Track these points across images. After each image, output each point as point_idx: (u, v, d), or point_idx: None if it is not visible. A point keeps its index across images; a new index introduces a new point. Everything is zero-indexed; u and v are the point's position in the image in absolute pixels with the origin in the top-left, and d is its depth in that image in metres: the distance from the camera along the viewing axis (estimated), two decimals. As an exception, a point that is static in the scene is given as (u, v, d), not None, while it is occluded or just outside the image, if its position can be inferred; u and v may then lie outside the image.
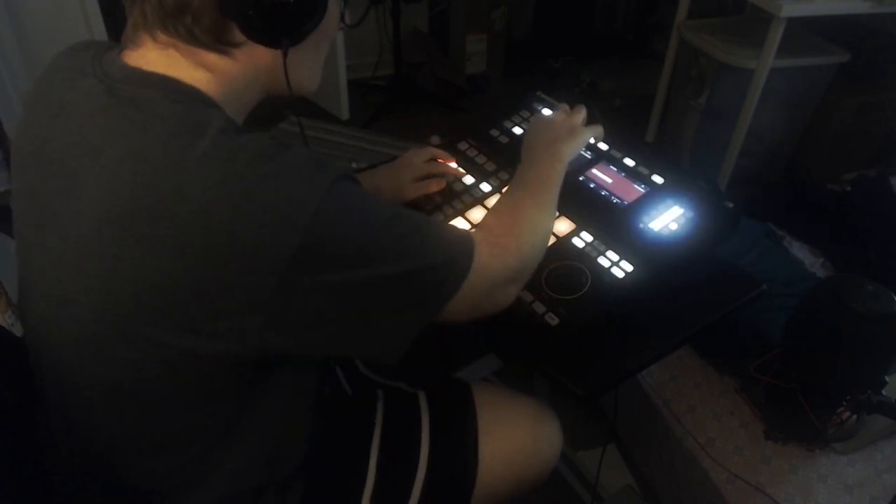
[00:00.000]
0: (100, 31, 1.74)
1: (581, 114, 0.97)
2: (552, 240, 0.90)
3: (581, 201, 0.96)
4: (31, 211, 0.65)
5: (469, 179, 1.03)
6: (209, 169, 0.54)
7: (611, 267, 0.85)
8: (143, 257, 0.54)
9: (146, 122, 0.57)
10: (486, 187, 1.01)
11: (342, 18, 0.71)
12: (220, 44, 0.61)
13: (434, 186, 1.00)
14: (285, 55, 0.63)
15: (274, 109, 2.41)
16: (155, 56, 0.61)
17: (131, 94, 0.59)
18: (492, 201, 0.98)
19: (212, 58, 0.62)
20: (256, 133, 0.58)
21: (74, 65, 0.65)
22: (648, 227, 0.90)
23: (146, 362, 0.59)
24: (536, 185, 0.85)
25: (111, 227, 0.56)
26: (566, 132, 0.92)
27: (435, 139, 1.13)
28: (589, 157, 1.02)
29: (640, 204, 0.93)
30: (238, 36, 0.61)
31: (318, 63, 0.72)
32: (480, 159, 1.06)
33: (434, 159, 1.04)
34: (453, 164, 1.05)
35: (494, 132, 1.11)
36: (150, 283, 0.55)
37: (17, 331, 1.08)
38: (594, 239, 0.89)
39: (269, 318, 0.57)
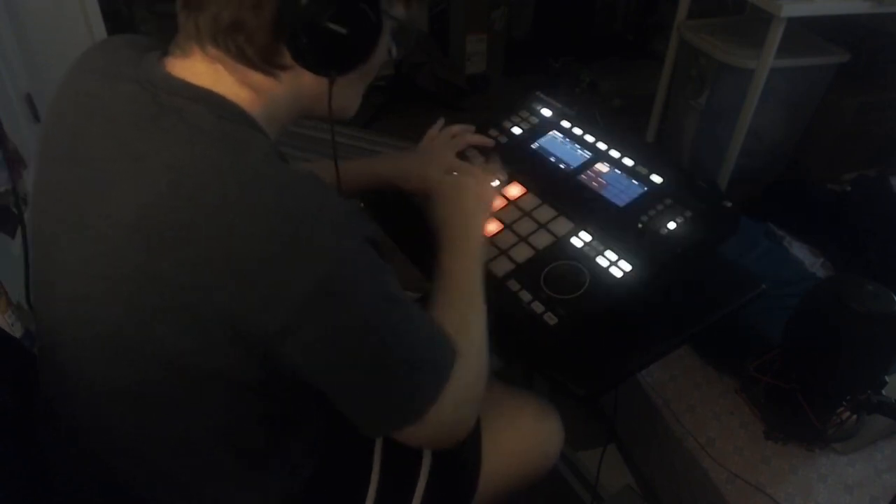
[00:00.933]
0: (100, 32, 1.73)
1: (494, 173, 0.96)
2: (551, 239, 0.90)
3: (580, 201, 0.96)
4: (56, 208, 0.65)
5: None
6: (249, 195, 0.54)
7: (610, 266, 0.85)
8: (170, 269, 0.55)
9: (192, 136, 0.57)
10: (485, 187, 1.01)
11: (389, 52, 0.71)
12: (269, 65, 0.61)
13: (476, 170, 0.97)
14: (332, 84, 0.63)
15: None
16: (202, 69, 0.61)
17: (178, 106, 0.59)
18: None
19: (257, 77, 0.62)
20: (301, 167, 0.59)
21: (112, 64, 0.65)
22: (648, 227, 0.90)
23: (157, 369, 0.60)
24: (469, 284, 0.77)
25: (141, 235, 0.56)
26: (480, 206, 0.88)
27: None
28: (588, 156, 1.02)
29: (639, 204, 0.93)
30: (287, 60, 0.61)
31: (359, 92, 0.72)
32: (480, 159, 1.06)
33: (456, 136, 1.05)
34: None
35: (494, 132, 1.11)
36: (172, 296, 0.55)
37: (17, 331, 1.09)
38: (593, 238, 0.89)
39: (270, 351, 0.57)
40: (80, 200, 0.61)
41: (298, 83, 0.64)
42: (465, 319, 0.73)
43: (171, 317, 0.56)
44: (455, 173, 0.94)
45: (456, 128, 1.06)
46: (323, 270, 0.54)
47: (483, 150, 1.05)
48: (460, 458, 0.86)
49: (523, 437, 0.91)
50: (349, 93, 0.70)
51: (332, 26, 0.58)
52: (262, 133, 0.63)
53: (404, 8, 0.67)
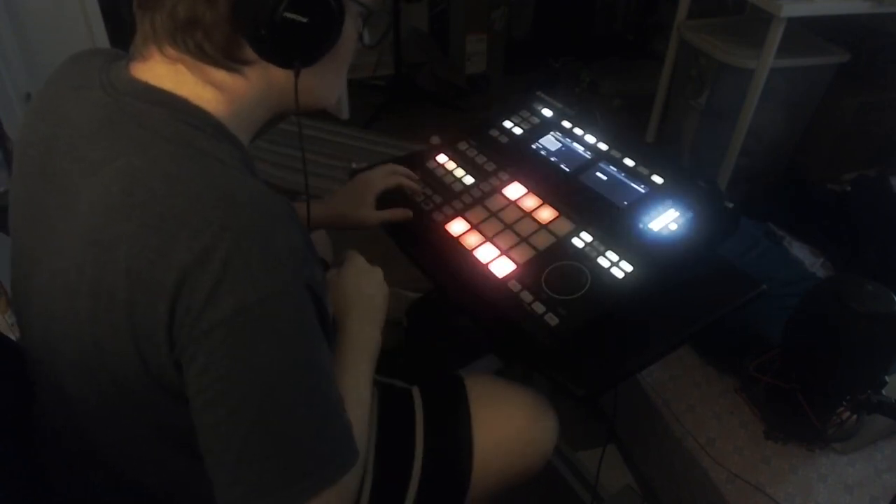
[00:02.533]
0: (100, 32, 1.73)
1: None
2: (552, 240, 0.90)
3: (581, 201, 0.96)
4: (29, 222, 0.64)
5: (469, 180, 1.03)
6: (197, 208, 0.52)
7: (610, 267, 0.85)
8: (113, 280, 0.53)
9: (148, 142, 0.56)
10: (486, 187, 1.01)
11: (360, 38, 0.68)
12: (231, 61, 0.59)
13: (400, 215, 0.97)
14: (297, 75, 0.60)
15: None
16: (163, 71, 0.59)
17: (137, 111, 0.57)
18: (491, 202, 0.99)
19: (221, 75, 0.59)
20: (266, 187, 0.55)
21: (82, 74, 0.63)
22: (648, 228, 0.90)
23: (108, 382, 0.58)
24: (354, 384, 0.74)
25: (93, 245, 0.54)
26: (359, 298, 0.82)
27: (435, 139, 1.13)
28: (589, 157, 1.03)
29: (640, 204, 0.93)
30: (249, 54, 0.59)
31: (333, 82, 0.69)
32: (480, 159, 1.06)
33: (395, 173, 1.02)
34: (446, 161, 1.04)
35: (494, 132, 1.11)
36: (116, 309, 0.53)
37: (17, 331, 1.08)
38: (594, 239, 0.89)
39: (183, 365, 0.54)
40: (51, 216, 0.60)
41: (266, 78, 0.61)
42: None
43: (116, 331, 0.54)
44: (390, 209, 0.97)
45: (393, 167, 1.03)
46: (248, 300, 0.50)
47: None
48: (452, 454, 0.86)
49: (516, 430, 0.90)
50: (324, 82, 0.67)
51: (290, 15, 0.56)
52: (228, 139, 0.60)
53: None
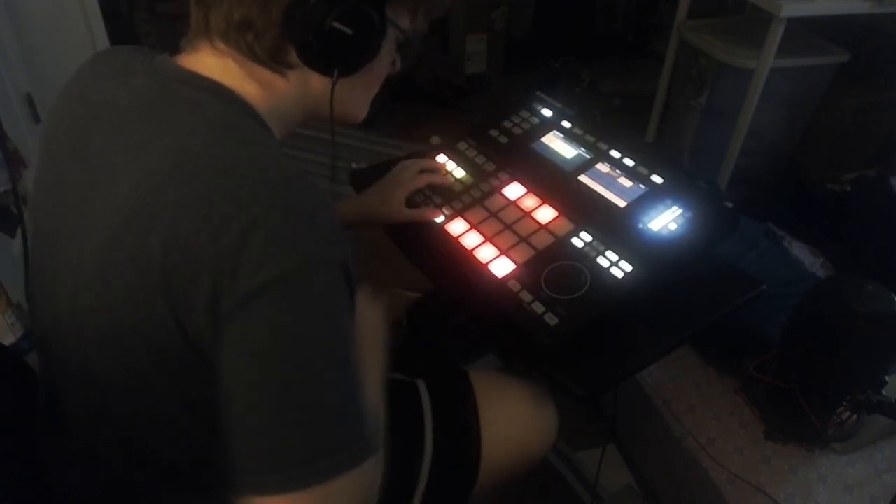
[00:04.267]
0: (100, 32, 1.73)
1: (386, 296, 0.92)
2: (552, 240, 0.90)
3: (580, 201, 0.96)
4: (57, 204, 0.65)
5: (469, 180, 1.03)
6: (244, 183, 0.55)
7: (610, 267, 0.85)
8: (157, 249, 0.54)
9: (197, 123, 0.59)
10: (485, 187, 1.01)
11: (394, 63, 0.73)
12: (276, 63, 0.63)
13: (429, 214, 0.98)
14: (335, 83, 0.65)
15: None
16: (212, 62, 0.63)
17: (185, 96, 0.61)
18: (491, 202, 0.99)
19: (265, 74, 0.64)
20: (308, 179, 0.58)
21: (122, 63, 0.67)
22: (648, 227, 0.90)
23: (145, 359, 0.59)
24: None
25: (136, 215, 0.56)
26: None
27: (435, 139, 1.14)
28: (588, 156, 1.02)
29: (640, 204, 0.93)
30: (294, 58, 0.63)
31: (364, 98, 0.74)
32: (480, 159, 1.06)
33: (425, 170, 1.03)
34: (445, 161, 1.03)
35: (494, 132, 1.11)
36: (157, 278, 0.55)
37: (18, 331, 1.09)
38: (593, 239, 0.89)
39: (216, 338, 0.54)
40: (83, 194, 0.62)
41: (305, 83, 0.66)
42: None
43: (153, 297, 0.55)
44: (419, 209, 0.98)
45: (425, 163, 1.04)
46: (294, 266, 0.53)
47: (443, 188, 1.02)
48: (462, 445, 0.87)
49: (520, 421, 0.92)
50: (354, 98, 0.72)
51: (338, 26, 0.60)
52: (267, 130, 0.64)
53: (409, 21, 0.69)
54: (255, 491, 0.53)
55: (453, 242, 0.93)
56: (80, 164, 0.64)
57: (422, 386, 0.93)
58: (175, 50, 0.67)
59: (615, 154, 1.02)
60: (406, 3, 0.68)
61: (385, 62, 0.71)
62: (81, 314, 0.62)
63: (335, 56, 0.63)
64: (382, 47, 0.66)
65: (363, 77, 0.68)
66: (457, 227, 0.95)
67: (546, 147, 1.06)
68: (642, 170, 0.98)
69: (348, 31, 0.61)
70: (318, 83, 0.66)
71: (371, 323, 0.84)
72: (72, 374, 0.67)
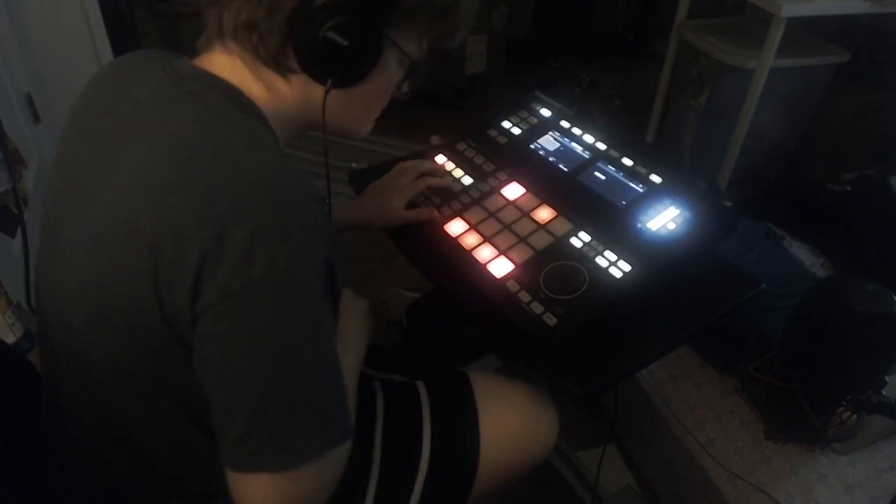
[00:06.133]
0: (100, 32, 1.73)
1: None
2: (550, 240, 0.90)
3: (579, 201, 0.96)
4: (68, 187, 0.67)
5: (468, 180, 1.03)
6: (240, 171, 0.56)
7: (609, 267, 0.85)
8: (148, 227, 0.56)
9: (201, 114, 0.61)
10: (484, 188, 1.01)
11: (399, 86, 0.74)
12: (279, 66, 0.65)
13: (428, 215, 0.97)
14: (327, 92, 0.66)
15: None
16: (222, 61, 0.66)
17: (196, 90, 0.63)
18: (490, 202, 0.99)
19: (270, 76, 0.66)
20: (303, 174, 0.60)
21: (145, 59, 0.69)
22: (647, 227, 0.90)
23: (134, 343, 0.60)
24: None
25: (133, 194, 0.58)
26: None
27: (435, 139, 1.13)
28: (588, 156, 1.02)
29: (639, 203, 0.93)
30: (294, 63, 0.64)
31: (364, 114, 0.75)
32: (479, 159, 1.06)
33: (422, 174, 1.02)
34: (444, 162, 1.03)
35: (493, 132, 1.11)
36: (147, 256, 0.56)
37: (18, 331, 1.09)
38: (592, 239, 0.89)
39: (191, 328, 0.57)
40: (90, 174, 0.64)
41: (306, 90, 0.67)
42: None
43: (137, 273, 0.56)
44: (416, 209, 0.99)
45: (423, 165, 1.03)
46: (280, 260, 0.55)
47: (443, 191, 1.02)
48: (460, 448, 0.87)
49: (520, 423, 0.92)
50: (352, 111, 0.73)
51: (332, 35, 0.61)
52: (269, 129, 0.65)
53: (416, 47, 0.70)
54: (232, 465, 0.58)
55: (452, 242, 0.93)
56: (90, 145, 0.66)
57: (421, 388, 0.93)
58: (178, 48, 0.69)
59: (614, 154, 1.02)
60: (412, 29, 0.68)
61: (387, 81, 0.71)
62: (73, 289, 0.63)
63: (329, 65, 0.64)
64: (380, 65, 0.67)
65: (361, 92, 0.69)
66: (456, 227, 0.95)
67: (545, 147, 1.06)
68: (641, 169, 0.98)
69: (342, 42, 0.62)
70: (318, 92, 0.66)
71: (354, 314, 0.90)
72: (64, 350, 0.67)
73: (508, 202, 0.98)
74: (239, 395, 0.56)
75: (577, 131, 1.07)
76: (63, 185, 0.68)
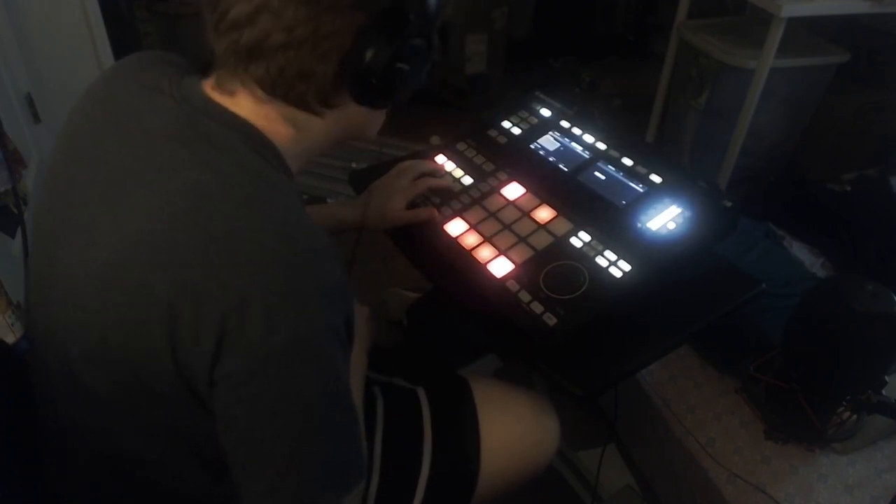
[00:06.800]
0: (100, 32, 1.73)
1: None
2: (550, 240, 0.90)
3: (579, 201, 0.96)
4: (62, 206, 0.65)
5: (468, 180, 1.03)
6: (258, 236, 0.55)
7: (609, 266, 0.85)
8: (163, 288, 0.54)
9: (219, 163, 0.58)
10: (484, 187, 1.01)
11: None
12: (324, 107, 0.62)
13: (425, 215, 0.97)
14: (388, 113, 0.67)
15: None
16: (247, 104, 0.62)
17: (211, 131, 0.60)
18: (490, 202, 0.98)
19: (303, 116, 0.63)
20: (314, 223, 0.60)
21: (152, 77, 0.65)
22: (647, 227, 0.90)
23: (131, 381, 0.59)
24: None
25: (146, 249, 0.56)
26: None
27: (435, 139, 1.14)
28: (588, 156, 1.02)
29: (639, 203, 0.93)
30: (342, 99, 0.62)
31: (382, 115, 0.74)
32: (479, 159, 1.06)
33: (422, 174, 1.01)
34: (444, 162, 1.03)
35: (493, 132, 1.11)
36: (158, 314, 0.54)
37: (18, 330, 1.08)
38: (592, 238, 0.89)
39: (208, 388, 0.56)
40: (92, 203, 0.61)
41: (343, 117, 0.65)
42: None
43: (150, 332, 0.55)
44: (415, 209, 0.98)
45: (422, 166, 1.03)
46: (301, 328, 0.54)
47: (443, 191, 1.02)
48: (461, 455, 0.87)
49: (521, 431, 0.91)
50: (377, 116, 0.72)
51: (400, 65, 0.60)
52: (285, 171, 0.64)
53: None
54: None
55: (452, 243, 0.93)
56: (91, 169, 0.63)
57: (422, 395, 0.93)
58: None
59: (614, 154, 1.02)
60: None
61: None
62: (71, 326, 0.61)
63: (394, 92, 0.62)
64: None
65: None
66: (456, 227, 0.95)
67: (545, 147, 1.06)
68: (641, 169, 0.98)
69: (407, 67, 0.61)
70: (356, 114, 0.65)
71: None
72: (59, 382, 0.66)
73: (508, 202, 0.98)
74: (263, 458, 0.57)
75: (577, 131, 1.07)
76: (58, 202, 0.65)
